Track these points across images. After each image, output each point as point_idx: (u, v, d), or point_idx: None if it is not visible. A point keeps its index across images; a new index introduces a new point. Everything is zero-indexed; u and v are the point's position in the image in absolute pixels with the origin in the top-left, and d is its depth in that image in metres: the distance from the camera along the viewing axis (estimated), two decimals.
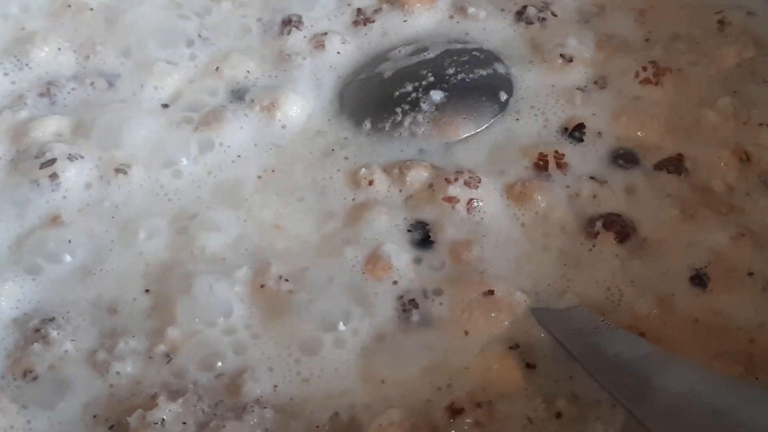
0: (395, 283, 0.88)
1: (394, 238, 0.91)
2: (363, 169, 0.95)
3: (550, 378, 0.82)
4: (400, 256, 0.90)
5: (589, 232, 0.91)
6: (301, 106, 1.01)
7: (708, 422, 0.67)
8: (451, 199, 0.92)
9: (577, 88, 1.03)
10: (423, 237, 0.91)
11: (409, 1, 1.09)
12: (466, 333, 0.85)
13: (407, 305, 0.86)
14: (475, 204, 0.92)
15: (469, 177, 0.93)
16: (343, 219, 0.93)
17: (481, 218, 0.92)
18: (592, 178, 0.95)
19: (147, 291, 0.89)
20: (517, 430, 0.79)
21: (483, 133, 1.00)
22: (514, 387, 0.81)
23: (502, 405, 0.80)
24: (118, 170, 0.96)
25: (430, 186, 0.94)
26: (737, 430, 0.65)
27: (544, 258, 0.90)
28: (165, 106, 1.03)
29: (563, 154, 0.96)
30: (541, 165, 0.96)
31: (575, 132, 0.99)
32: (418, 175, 0.95)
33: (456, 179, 0.93)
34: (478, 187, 0.93)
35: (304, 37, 1.08)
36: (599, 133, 0.99)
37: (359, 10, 1.10)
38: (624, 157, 0.96)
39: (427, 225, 0.91)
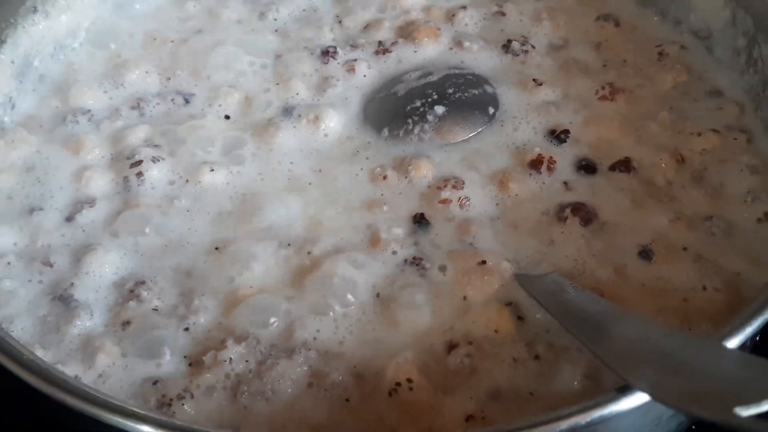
0: (400, 254, 0.89)
1: (402, 221, 0.92)
2: (378, 168, 0.96)
3: (532, 329, 0.82)
4: (408, 235, 0.90)
5: (560, 217, 0.91)
6: (338, 119, 1.02)
7: (656, 361, 0.68)
8: (445, 201, 0.92)
9: (549, 103, 1.03)
10: (424, 222, 0.91)
11: (419, 36, 1.10)
12: (466, 294, 0.85)
13: (415, 263, 0.87)
14: (465, 201, 0.92)
15: (455, 182, 0.94)
16: (364, 206, 0.94)
17: (472, 208, 0.93)
18: (564, 182, 0.96)
19: (215, 257, 0.89)
20: (505, 367, 0.80)
21: (474, 138, 1.00)
22: (507, 334, 0.82)
23: (495, 347, 0.81)
24: (192, 170, 0.97)
25: (429, 188, 0.94)
26: (680, 368, 0.66)
27: (524, 237, 0.90)
28: (227, 117, 1.04)
29: (542, 155, 0.97)
30: (532, 163, 0.97)
31: (561, 135, 0.99)
32: (422, 170, 0.95)
33: (445, 185, 0.93)
34: (462, 188, 0.93)
35: (338, 63, 1.09)
36: (585, 136, 0.99)
37: (380, 42, 1.11)
38: (586, 165, 0.97)
39: (427, 216, 0.92)
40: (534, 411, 0.77)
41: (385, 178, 0.95)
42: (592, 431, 0.68)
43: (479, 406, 0.78)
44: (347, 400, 0.78)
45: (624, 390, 0.66)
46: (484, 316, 0.83)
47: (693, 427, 0.87)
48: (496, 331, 0.82)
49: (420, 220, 0.91)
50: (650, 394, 0.64)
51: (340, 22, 1.13)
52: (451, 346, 0.81)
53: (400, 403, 0.78)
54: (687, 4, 1.10)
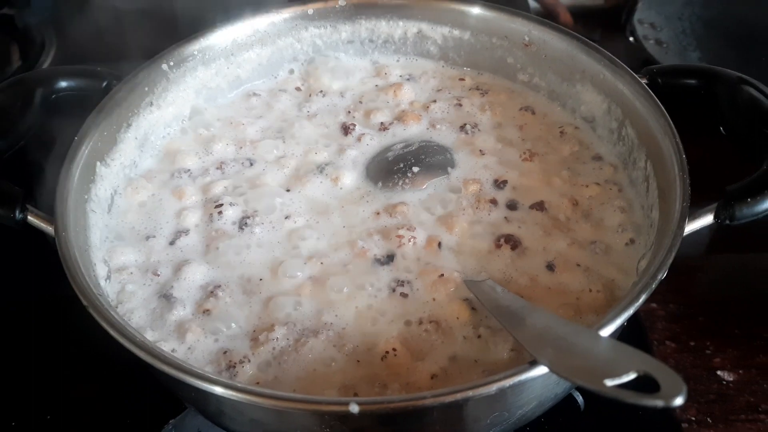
0: (386, 269, 0.87)
1: (385, 246, 0.90)
2: (379, 211, 0.95)
3: (477, 317, 0.82)
4: (387, 255, 0.89)
5: (496, 244, 0.90)
6: (350, 176, 1.01)
7: (554, 343, 0.68)
8: (399, 236, 0.90)
9: (489, 164, 1.01)
10: (395, 251, 0.89)
11: (407, 120, 1.08)
12: (434, 297, 0.85)
13: (399, 283, 0.86)
14: (411, 241, 0.89)
15: (408, 228, 0.90)
16: (364, 234, 0.92)
17: (423, 241, 0.90)
18: (499, 219, 0.94)
19: (268, 269, 0.88)
20: (459, 342, 0.80)
21: (437, 187, 0.98)
22: (464, 320, 0.82)
23: (453, 329, 0.81)
24: (255, 210, 0.96)
25: (402, 224, 0.92)
26: (570, 349, 0.66)
27: (470, 258, 0.89)
28: (281, 177, 1.01)
29: (481, 200, 0.96)
30: (476, 205, 0.95)
31: (500, 184, 0.98)
32: (401, 211, 0.94)
33: (406, 227, 0.91)
34: (414, 234, 0.90)
35: (352, 136, 1.07)
36: (513, 186, 0.98)
37: (382, 123, 1.09)
38: (515, 206, 0.96)
39: (397, 245, 0.90)
40: (477, 373, 0.77)
41: (378, 214, 0.94)
42: (514, 389, 0.68)
43: (440, 368, 0.78)
44: (358, 361, 0.78)
45: (533, 363, 0.66)
46: (450, 308, 0.82)
47: None
48: (457, 318, 0.82)
49: (395, 252, 0.89)
50: (549, 367, 0.64)
51: (349, 112, 1.12)
52: (418, 323, 0.81)
53: (389, 365, 0.77)
54: (578, 99, 1.09)
